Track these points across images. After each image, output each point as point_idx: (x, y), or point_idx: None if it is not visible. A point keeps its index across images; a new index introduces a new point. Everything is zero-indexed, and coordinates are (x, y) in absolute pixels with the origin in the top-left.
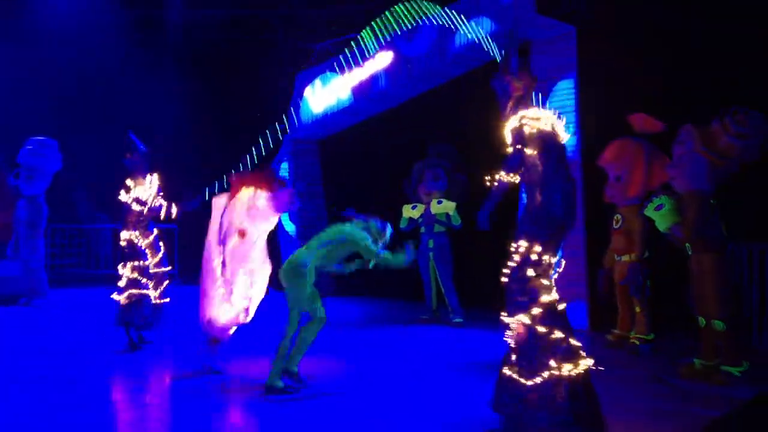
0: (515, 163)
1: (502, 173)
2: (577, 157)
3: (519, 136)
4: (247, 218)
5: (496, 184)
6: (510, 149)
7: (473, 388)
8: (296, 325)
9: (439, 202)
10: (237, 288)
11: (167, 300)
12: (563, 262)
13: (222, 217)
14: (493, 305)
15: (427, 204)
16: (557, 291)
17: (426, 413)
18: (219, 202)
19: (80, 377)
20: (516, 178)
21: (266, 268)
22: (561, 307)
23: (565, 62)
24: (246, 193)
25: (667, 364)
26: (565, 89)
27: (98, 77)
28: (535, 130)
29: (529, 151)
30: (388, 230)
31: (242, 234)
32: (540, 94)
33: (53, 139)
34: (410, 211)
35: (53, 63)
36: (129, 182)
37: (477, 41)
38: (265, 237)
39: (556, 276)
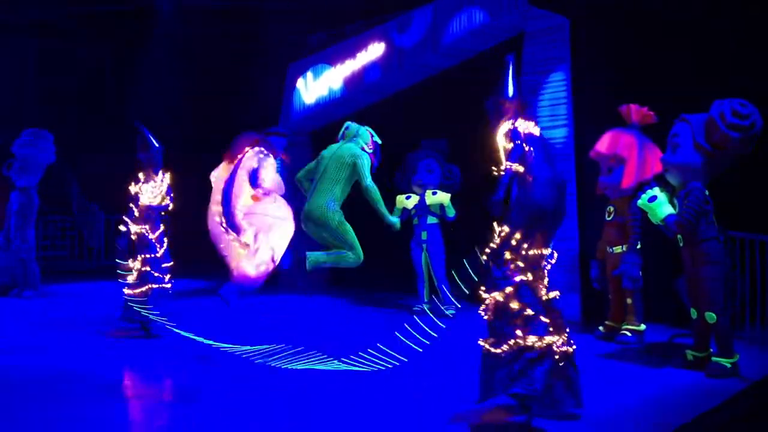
0: (517, 153)
1: (507, 162)
2: (569, 148)
3: (515, 133)
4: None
5: (503, 172)
6: (509, 145)
7: (466, 377)
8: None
9: (434, 193)
10: (259, 245)
11: (168, 285)
12: (555, 254)
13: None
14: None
15: (421, 195)
16: (549, 282)
17: (420, 401)
18: (216, 174)
19: (87, 368)
20: (520, 168)
21: (287, 220)
22: (552, 294)
23: (558, 54)
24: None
25: (658, 356)
26: (557, 81)
27: (92, 68)
28: (528, 131)
29: (525, 147)
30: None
31: (255, 198)
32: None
33: (48, 131)
34: (404, 201)
35: (47, 54)
36: (141, 176)
37: (470, 32)
38: (278, 191)
39: (548, 267)
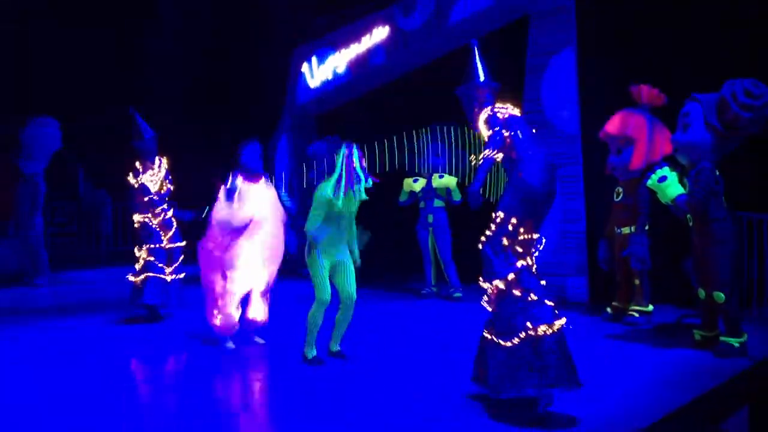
0: (497, 141)
1: (486, 151)
2: (576, 130)
3: (494, 120)
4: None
5: (481, 162)
6: (487, 133)
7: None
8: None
9: (441, 177)
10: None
11: (182, 275)
12: (543, 240)
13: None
14: None
15: (428, 178)
16: (536, 268)
17: (429, 385)
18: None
19: (99, 354)
20: (499, 156)
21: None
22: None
23: (564, 35)
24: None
25: (666, 336)
26: (564, 62)
27: (96, 53)
28: (507, 115)
29: (505, 132)
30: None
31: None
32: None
33: (53, 118)
34: (411, 185)
35: (51, 40)
36: (138, 165)
37: (474, 14)
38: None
39: (536, 254)
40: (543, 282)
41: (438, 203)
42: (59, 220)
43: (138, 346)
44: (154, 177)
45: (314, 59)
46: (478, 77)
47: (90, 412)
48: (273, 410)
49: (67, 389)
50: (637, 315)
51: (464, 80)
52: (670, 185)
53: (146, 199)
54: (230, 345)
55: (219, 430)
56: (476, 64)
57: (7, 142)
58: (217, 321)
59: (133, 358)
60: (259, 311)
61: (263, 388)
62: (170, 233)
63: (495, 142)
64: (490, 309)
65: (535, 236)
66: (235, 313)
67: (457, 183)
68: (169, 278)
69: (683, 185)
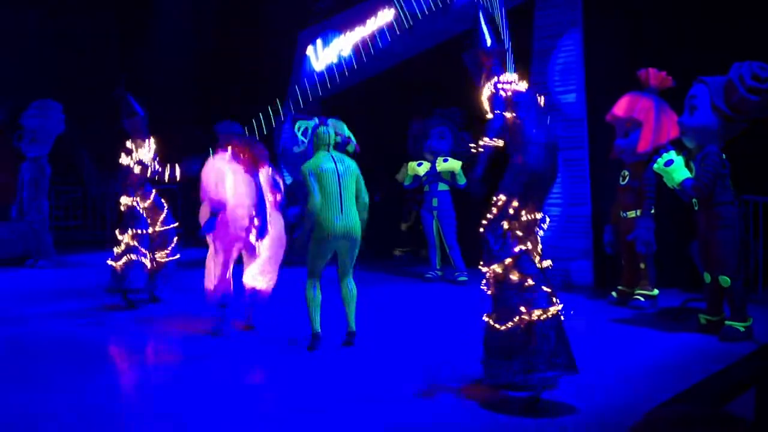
0: (497, 126)
1: (486, 138)
2: (582, 113)
3: (497, 101)
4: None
5: (482, 149)
6: (490, 115)
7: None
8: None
9: (445, 160)
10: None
11: (177, 257)
12: (548, 219)
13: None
14: None
15: (432, 162)
16: (543, 248)
17: (433, 367)
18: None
19: (97, 337)
20: (500, 142)
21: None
22: (546, 263)
23: (570, 17)
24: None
25: (671, 320)
26: (570, 45)
27: (99, 36)
28: (510, 93)
29: (508, 114)
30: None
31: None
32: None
33: (56, 102)
34: (416, 168)
35: (55, 23)
36: (129, 144)
37: None
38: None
39: (541, 233)
40: (549, 262)
41: (442, 187)
42: (63, 204)
43: (134, 331)
44: (146, 156)
45: (319, 42)
46: (485, 42)
47: (83, 396)
48: (266, 396)
49: (63, 374)
50: (642, 299)
51: (470, 45)
52: (676, 169)
53: (140, 171)
54: (223, 306)
55: (217, 413)
56: (482, 28)
57: (8, 125)
58: (209, 284)
59: (127, 343)
60: (257, 280)
61: (256, 372)
62: (162, 215)
63: (494, 129)
64: (489, 293)
65: (539, 216)
66: (226, 279)
67: (462, 167)
68: (164, 260)
69: (690, 169)
